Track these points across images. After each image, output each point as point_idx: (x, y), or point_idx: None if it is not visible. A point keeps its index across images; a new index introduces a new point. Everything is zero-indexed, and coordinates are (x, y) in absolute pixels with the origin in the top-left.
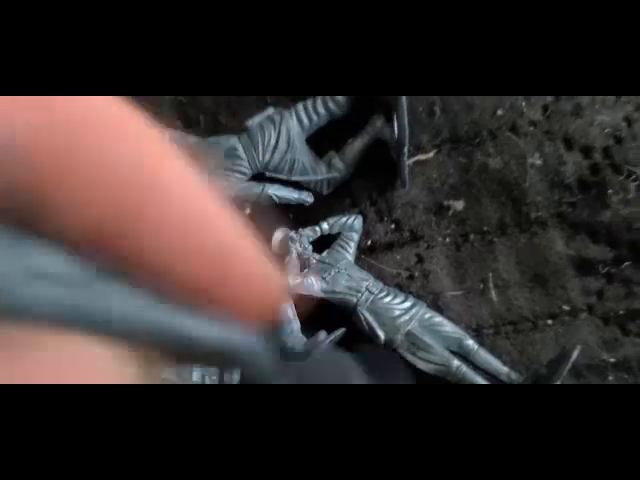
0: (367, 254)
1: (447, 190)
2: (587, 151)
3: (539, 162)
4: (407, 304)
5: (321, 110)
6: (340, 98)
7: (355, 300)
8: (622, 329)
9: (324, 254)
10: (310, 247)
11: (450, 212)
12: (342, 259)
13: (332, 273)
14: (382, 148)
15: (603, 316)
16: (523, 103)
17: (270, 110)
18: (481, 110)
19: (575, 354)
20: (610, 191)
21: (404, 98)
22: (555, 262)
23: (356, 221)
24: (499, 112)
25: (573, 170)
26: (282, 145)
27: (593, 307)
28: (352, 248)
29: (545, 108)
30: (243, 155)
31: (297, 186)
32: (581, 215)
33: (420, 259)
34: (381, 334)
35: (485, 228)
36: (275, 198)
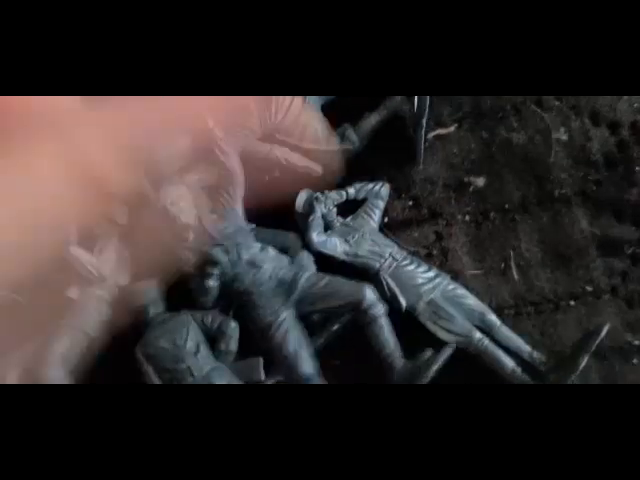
0: (384, 230)
1: (468, 166)
2: (614, 127)
3: (564, 137)
4: (430, 274)
5: None
6: None
7: (377, 265)
8: None
9: (349, 219)
10: (335, 209)
11: (470, 188)
12: (366, 225)
13: (356, 237)
14: (401, 123)
15: (627, 298)
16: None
17: None
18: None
19: (604, 332)
20: (637, 168)
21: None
22: (578, 241)
23: (383, 188)
24: None
25: (599, 146)
26: (295, 107)
27: (617, 288)
28: (377, 215)
29: None
30: (254, 111)
31: (307, 155)
32: (606, 193)
33: (439, 237)
34: (402, 300)
35: (507, 205)
36: (283, 161)
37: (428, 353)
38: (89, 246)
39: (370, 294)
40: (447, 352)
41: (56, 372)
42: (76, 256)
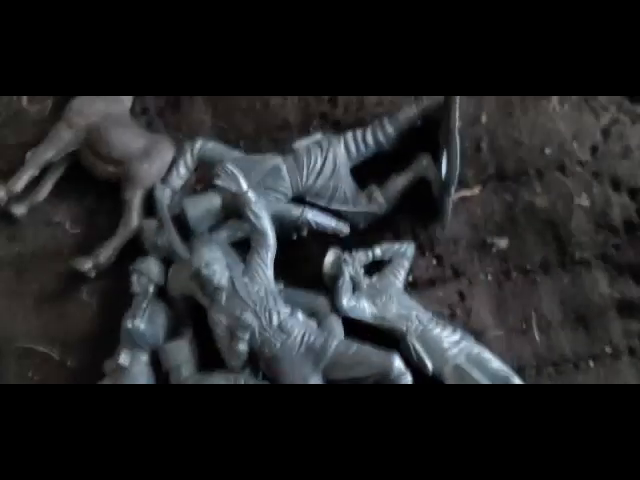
0: (409, 289)
1: (491, 227)
2: (635, 193)
3: (586, 203)
4: (456, 337)
5: (370, 141)
6: (390, 131)
7: (404, 328)
8: None
9: (374, 279)
10: (362, 271)
11: (493, 249)
12: (392, 285)
13: (383, 299)
14: (426, 185)
15: None
16: (574, 143)
17: (318, 135)
18: (529, 148)
19: None
20: None
21: (458, 137)
22: (598, 303)
23: (408, 249)
24: (547, 150)
25: (620, 211)
26: (327, 171)
27: (635, 350)
28: (402, 275)
29: (594, 148)
30: (286, 176)
31: (336, 215)
32: (626, 257)
33: (462, 296)
34: (429, 364)
35: (528, 266)
36: (313, 224)
37: None
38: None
39: (399, 364)
40: None
41: None
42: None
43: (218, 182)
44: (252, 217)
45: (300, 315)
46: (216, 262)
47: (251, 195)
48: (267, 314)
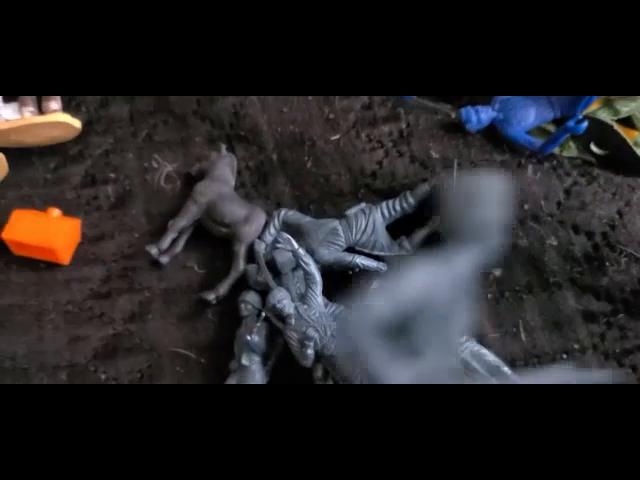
0: None
1: (489, 262)
2: (590, 235)
3: (555, 243)
4: (462, 339)
5: (398, 208)
6: (411, 201)
7: None
8: (618, 363)
9: None
10: None
11: (491, 277)
12: None
13: None
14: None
15: (604, 353)
16: (544, 201)
17: (363, 204)
18: (513, 204)
19: None
20: (607, 264)
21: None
22: (568, 314)
23: None
24: (525, 206)
25: (580, 248)
26: (369, 229)
27: (597, 346)
28: None
29: (559, 204)
30: (342, 234)
31: (376, 258)
32: (587, 280)
33: None
34: None
35: (517, 288)
36: (361, 265)
37: None
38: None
39: None
40: None
41: None
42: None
43: (279, 245)
44: (303, 265)
45: None
46: (285, 298)
47: (301, 251)
48: (322, 327)
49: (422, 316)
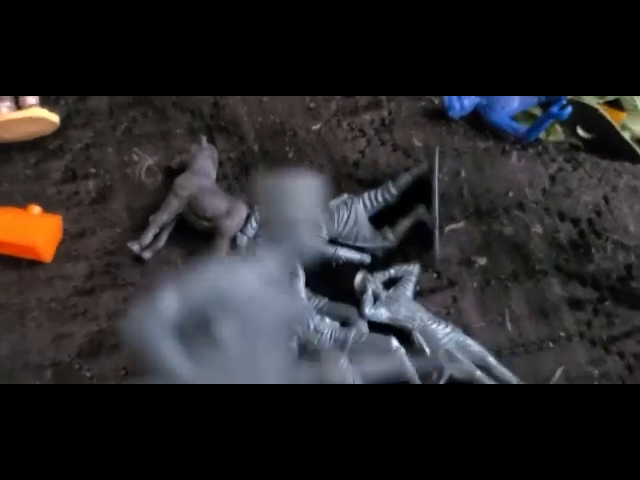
0: (416, 297)
1: (474, 250)
2: (576, 221)
3: (540, 230)
4: (447, 330)
5: (380, 199)
6: (393, 191)
7: (411, 326)
8: (605, 350)
9: (390, 291)
10: (381, 286)
11: (476, 265)
12: (403, 295)
13: (396, 305)
14: (424, 224)
15: (591, 340)
16: (529, 188)
17: (345, 196)
18: (497, 192)
19: (559, 372)
20: (593, 250)
21: (437, 193)
22: (554, 301)
23: (415, 268)
24: (510, 194)
25: (565, 235)
26: (351, 221)
27: (583, 333)
28: (411, 287)
29: (544, 191)
30: (324, 227)
31: (360, 250)
32: (573, 267)
33: (455, 300)
34: (427, 350)
35: (502, 276)
36: (343, 257)
37: (434, 377)
38: None
39: (395, 342)
40: (445, 376)
41: None
42: None
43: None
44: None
45: (327, 320)
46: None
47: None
48: (305, 322)
49: (224, 312)
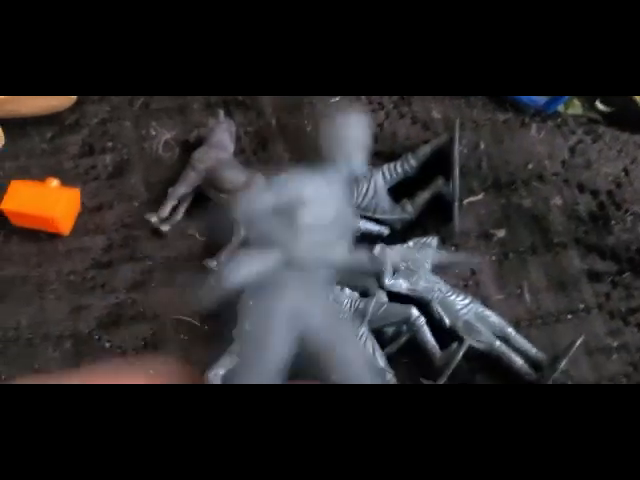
0: (435, 269)
1: (492, 222)
2: (595, 193)
3: (560, 202)
4: (466, 301)
5: (399, 170)
6: (412, 163)
7: (430, 297)
8: (624, 321)
9: (410, 262)
10: (400, 258)
11: (495, 238)
12: (422, 267)
13: (415, 277)
14: (443, 197)
15: (609, 312)
16: (549, 160)
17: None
18: (516, 165)
19: (579, 342)
20: (613, 222)
21: (457, 165)
22: (573, 274)
23: (433, 241)
24: (529, 166)
25: (584, 207)
26: (370, 193)
27: (602, 305)
28: (429, 260)
29: (564, 162)
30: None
31: (378, 222)
32: (592, 239)
33: (473, 272)
34: (447, 321)
35: (521, 249)
36: (363, 229)
37: (454, 346)
38: None
39: (415, 311)
40: (465, 345)
41: None
42: None
43: None
44: None
45: (347, 290)
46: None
47: None
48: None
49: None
